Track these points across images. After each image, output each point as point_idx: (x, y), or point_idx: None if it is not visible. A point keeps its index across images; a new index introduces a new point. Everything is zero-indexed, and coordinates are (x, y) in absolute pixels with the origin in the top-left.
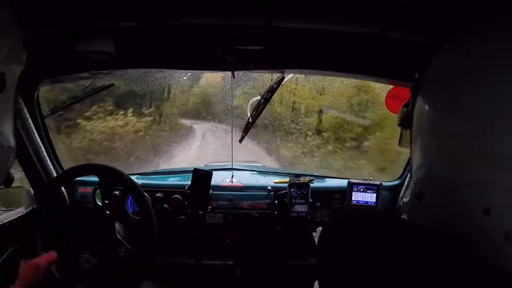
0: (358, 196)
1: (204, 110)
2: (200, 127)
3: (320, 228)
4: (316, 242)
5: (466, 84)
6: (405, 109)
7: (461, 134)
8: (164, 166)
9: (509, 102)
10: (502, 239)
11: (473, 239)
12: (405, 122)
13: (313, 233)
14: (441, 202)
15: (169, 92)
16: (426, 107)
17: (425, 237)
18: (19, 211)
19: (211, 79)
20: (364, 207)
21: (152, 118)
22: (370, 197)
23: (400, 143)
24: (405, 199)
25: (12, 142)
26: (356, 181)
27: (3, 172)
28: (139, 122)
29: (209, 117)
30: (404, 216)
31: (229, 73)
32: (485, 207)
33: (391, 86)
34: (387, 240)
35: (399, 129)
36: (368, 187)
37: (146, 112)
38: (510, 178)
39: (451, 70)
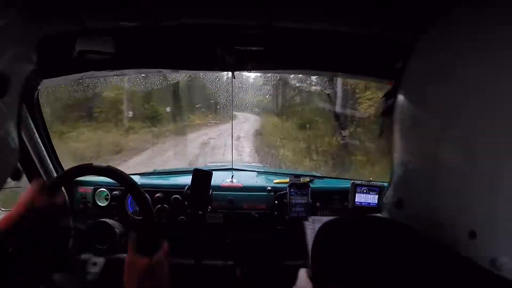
0: (361, 198)
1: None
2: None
3: (312, 217)
4: (307, 234)
5: (442, 79)
6: (386, 100)
7: (441, 136)
8: None
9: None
10: (488, 266)
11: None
12: (387, 112)
13: (305, 222)
14: (423, 215)
15: None
16: (405, 104)
17: (420, 240)
18: None
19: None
20: (366, 209)
21: None
22: (372, 198)
23: (381, 134)
24: (386, 202)
25: (16, 142)
26: (359, 182)
27: (8, 172)
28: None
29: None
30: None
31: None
32: (471, 229)
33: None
34: (383, 242)
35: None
36: (370, 188)
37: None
38: (495, 193)
39: (429, 64)
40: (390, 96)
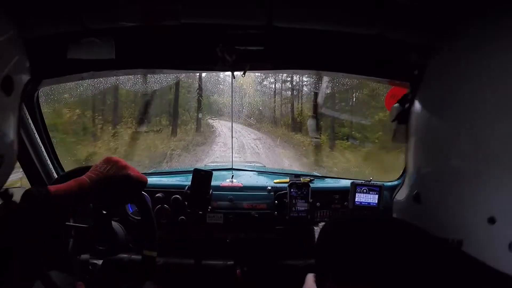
0: (361, 198)
1: None
2: None
3: (321, 224)
4: (316, 238)
5: (463, 84)
6: (400, 106)
7: (458, 134)
8: None
9: (506, 102)
10: (506, 250)
11: (475, 247)
12: (401, 118)
13: (315, 227)
14: (442, 206)
15: None
16: (423, 106)
17: (426, 239)
18: None
19: None
20: (366, 208)
21: None
22: (372, 198)
23: (393, 139)
24: (399, 199)
25: (15, 143)
26: (359, 182)
27: (8, 171)
28: None
29: None
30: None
31: None
32: (490, 216)
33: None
34: (387, 242)
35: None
36: (370, 188)
37: None
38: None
39: (449, 70)
40: (405, 101)
